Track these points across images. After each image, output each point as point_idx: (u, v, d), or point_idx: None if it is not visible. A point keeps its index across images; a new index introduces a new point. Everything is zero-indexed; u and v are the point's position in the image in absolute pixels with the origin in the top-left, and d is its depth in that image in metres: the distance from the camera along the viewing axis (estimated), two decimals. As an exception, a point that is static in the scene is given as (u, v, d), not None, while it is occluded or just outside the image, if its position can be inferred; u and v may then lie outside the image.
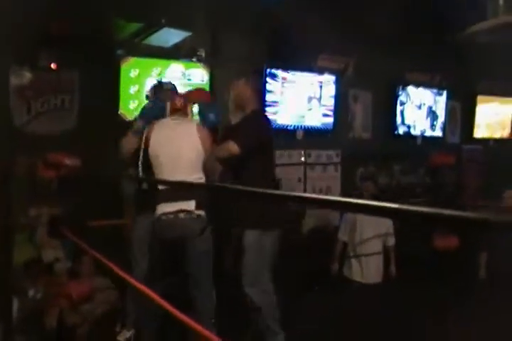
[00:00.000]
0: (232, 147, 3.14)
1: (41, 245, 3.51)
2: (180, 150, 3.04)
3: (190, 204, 2.95)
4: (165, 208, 2.96)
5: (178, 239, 2.95)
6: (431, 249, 5.35)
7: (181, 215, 2.94)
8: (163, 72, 4.31)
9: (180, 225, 2.95)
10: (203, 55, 4.55)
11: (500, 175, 5.34)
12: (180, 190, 3.02)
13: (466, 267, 4.69)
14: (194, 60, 4.52)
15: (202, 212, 2.99)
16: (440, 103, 6.16)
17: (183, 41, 4.23)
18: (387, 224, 4.60)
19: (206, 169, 3.11)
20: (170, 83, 3.63)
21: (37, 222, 3.64)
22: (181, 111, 3.23)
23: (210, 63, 4.55)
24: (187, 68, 4.42)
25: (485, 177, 6.20)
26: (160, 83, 3.61)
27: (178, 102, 3.22)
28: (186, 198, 2.96)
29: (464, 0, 3.58)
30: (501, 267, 4.00)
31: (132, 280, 2.18)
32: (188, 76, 4.45)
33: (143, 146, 3.09)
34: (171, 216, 2.94)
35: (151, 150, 3.07)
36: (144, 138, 3.10)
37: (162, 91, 3.46)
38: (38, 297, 3.12)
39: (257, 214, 3.14)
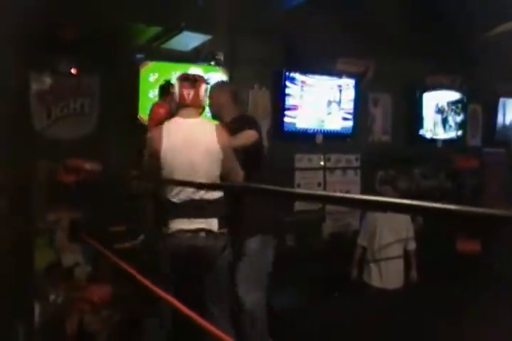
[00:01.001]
0: (250, 133, 2.95)
1: (61, 249, 3.51)
2: (197, 161, 2.72)
3: (213, 223, 2.68)
4: (181, 225, 2.65)
5: (195, 259, 2.68)
6: (453, 253, 5.29)
7: (202, 234, 2.67)
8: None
9: (199, 246, 2.65)
10: (222, 58, 4.54)
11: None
12: (201, 205, 2.67)
13: (487, 270, 4.61)
14: (213, 63, 4.51)
15: (224, 230, 2.72)
16: (461, 105, 6.07)
17: (202, 45, 4.22)
18: (407, 228, 4.54)
19: (229, 175, 2.80)
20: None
21: (56, 226, 3.64)
22: (192, 107, 2.85)
23: (229, 67, 4.54)
24: (206, 72, 4.40)
25: (508, 181, 6.10)
26: (168, 84, 3.29)
27: (188, 95, 2.83)
28: (208, 215, 2.68)
29: (485, 1, 3.50)
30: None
31: (152, 286, 2.15)
32: (207, 80, 4.43)
33: (151, 148, 2.75)
34: (189, 234, 2.65)
35: (163, 155, 2.72)
36: (152, 137, 2.78)
37: (169, 93, 3.15)
38: (59, 301, 3.11)
39: (259, 220, 2.98)
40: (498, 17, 3.53)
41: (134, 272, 2.19)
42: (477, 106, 6.31)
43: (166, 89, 3.26)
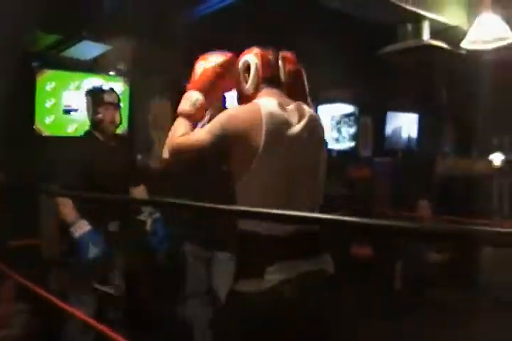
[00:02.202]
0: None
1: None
2: (305, 168, 1.80)
3: (327, 261, 1.80)
4: (282, 271, 1.65)
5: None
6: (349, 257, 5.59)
7: (308, 279, 1.69)
8: (81, 86, 4.21)
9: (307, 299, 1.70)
10: (123, 68, 4.50)
11: (411, 187, 5.64)
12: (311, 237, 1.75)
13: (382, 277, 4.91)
14: (114, 73, 4.46)
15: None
16: (353, 118, 6.41)
17: (103, 54, 4.16)
18: None
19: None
20: (112, 91, 3.09)
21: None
22: (284, 87, 1.91)
23: (130, 77, 4.50)
24: (106, 82, 4.34)
25: (396, 188, 6.51)
26: (101, 91, 3.06)
27: (274, 67, 1.88)
28: (319, 249, 1.79)
29: (379, 23, 3.77)
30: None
31: (58, 302, 2.10)
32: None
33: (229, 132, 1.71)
34: (293, 284, 1.66)
35: (261, 155, 1.68)
36: (235, 115, 1.74)
37: (103, 104, 3.01)
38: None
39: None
40: (391, 36, 3.80)
41: (37, 288, 2.12)
42: (368, 119, 6.69)
43: (98, 97, 3.04)
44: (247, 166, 1.69)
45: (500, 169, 6.79)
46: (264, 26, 4.30)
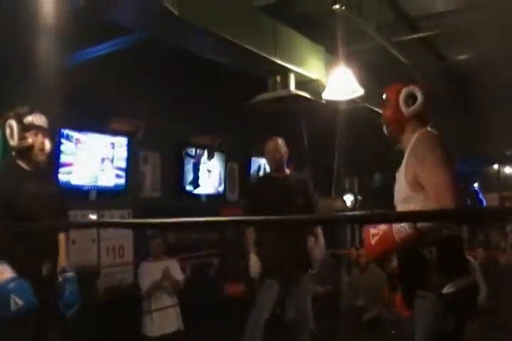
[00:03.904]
0: None
1: None
2: None
3: None
4: None
5: None
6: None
7: None
8: None
9: None
10: None
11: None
12: None
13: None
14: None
15: None
16: (220, 164, 6.72)
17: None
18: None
19: None
20: (39, 114, 2.76)
21: None
22: None
23: None
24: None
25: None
26: (28, 113, 2.72)
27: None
28: None
29: (249, 74, 4.13)
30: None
31: None
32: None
33: None
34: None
35: None
36: None
37: (31, 128, 2.69)
38: None
39: None
40: (260, 87, 4.17)
41: None
42: (234, 165, 7.06)
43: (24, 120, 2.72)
44: None
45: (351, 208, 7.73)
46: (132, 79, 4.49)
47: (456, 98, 6.00)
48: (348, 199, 8.36)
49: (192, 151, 6.32)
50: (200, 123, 5.91)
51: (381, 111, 2.57)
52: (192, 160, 6.31)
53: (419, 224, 2.04)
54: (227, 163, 6.81)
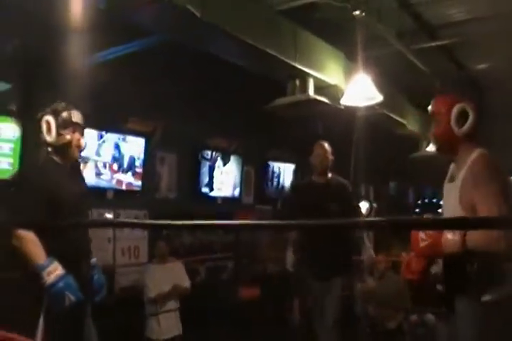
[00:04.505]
0: None
1: None
2: None
3: None
4: None
5: None
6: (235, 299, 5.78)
7: None
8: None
9: None
10: (14, 109, 4.43)
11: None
12: None
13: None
14: (4, 114, 4.37)
15: None
16: (236, 167, 6.75)
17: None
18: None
19: None
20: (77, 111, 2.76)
21: None
22: None
23: (22, 118, 4.44)
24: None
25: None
26: (67, 109, 2.72)
27: None
28: None
29: (268, 77, 4.16)
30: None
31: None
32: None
33: None
34: None
35: None
36: None
37: (70, 124, 2.69)
38: None
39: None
40: (279, 91, 4.19)
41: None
42: (250, 169, 7.08)
43: (63, 116, 2.71)
44: None
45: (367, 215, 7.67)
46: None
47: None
48: (364, 206, 8.32)
49: (208, 154, 6.35)
50: (217, 126, 5.94)
51: (430, 127, 2.50)
52: (208, 163, 6.34)
53: (469, 243, 2.06)
54: (243, 166, 6.83)
